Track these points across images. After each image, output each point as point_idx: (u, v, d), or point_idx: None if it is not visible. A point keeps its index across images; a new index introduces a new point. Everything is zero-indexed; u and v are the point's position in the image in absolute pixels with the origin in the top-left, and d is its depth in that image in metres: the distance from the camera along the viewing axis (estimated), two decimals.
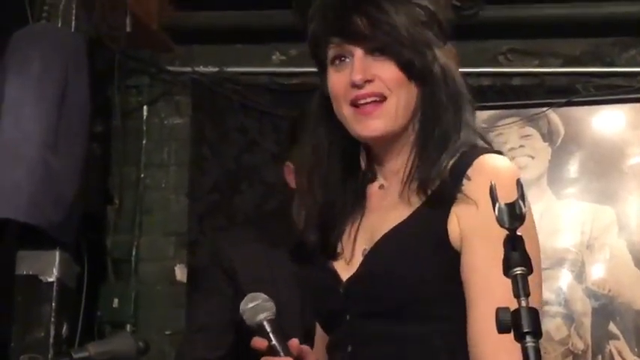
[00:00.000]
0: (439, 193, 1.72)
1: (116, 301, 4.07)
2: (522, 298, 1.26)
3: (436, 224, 1.71)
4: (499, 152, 1.79)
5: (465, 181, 1.70)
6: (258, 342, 1.79)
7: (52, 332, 3.43)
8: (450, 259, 1.70)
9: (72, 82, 3.51)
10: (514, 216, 1.29)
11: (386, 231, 1.75)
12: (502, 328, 1.26)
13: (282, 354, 1.76)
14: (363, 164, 1.87)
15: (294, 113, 3.11)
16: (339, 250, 1.83)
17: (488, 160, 1.73)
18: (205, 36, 4.28)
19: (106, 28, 3.74)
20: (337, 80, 1.80)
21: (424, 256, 1.71)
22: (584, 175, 4.03)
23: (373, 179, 1.86)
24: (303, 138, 2.57)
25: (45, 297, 3.44)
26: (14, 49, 3.49)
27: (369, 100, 1.77)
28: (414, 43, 1.76)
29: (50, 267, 3.45)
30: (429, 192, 1.73)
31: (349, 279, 1.77)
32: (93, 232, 3.98)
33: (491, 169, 1.71)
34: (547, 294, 3.85)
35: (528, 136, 4.07)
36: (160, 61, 4.31)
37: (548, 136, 4.06)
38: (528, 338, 1.25)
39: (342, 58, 1.80)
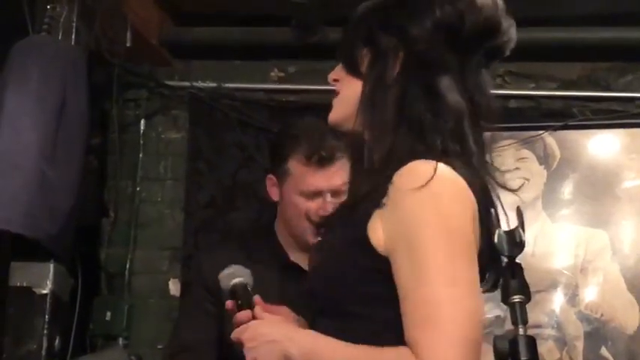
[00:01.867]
0: (365, 199, 1.76)
1: (109, 314, 4.05)
2: (520, 326, 1.27)
3: (358, 227, 1.72)
4: (435, 159, 1.72)
5: (390, 186, 1.69)
6: (229, 304, 1.93)
7: (45, 345, 3.42)
8: (371, 260, 1.70)
9: (70, 94, 3.51)
10: (514, 244, 1.30)
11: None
12: (500, 356, 1.27)
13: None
14: None
15: (279, 128, 3.12)
16: None
17: (415, 163, 1.71)
18: (204, 51, 4.29)
19: (106, 41, 3.75)
20: None
21: (342, 257, 1.76)
22: (579, 198, 4.04)
23: None
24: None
25: (38, 309, 3.43)
26: (14, 60, 3.50)
27: None
28: (349, 43, 1.92)
29: (44, 279, 3.44)
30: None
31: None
32: (87, 245, 3.98)
33: (412, 173, 1.68)
34: (540, 316, 3.86)
35: (524, 158, 4.08)
36: (158, 76, 4.31)
37: (544, 159, 4.07)
38: None
39: None
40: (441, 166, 1.68)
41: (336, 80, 1.91)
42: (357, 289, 1.72)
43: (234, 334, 1.82)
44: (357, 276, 1.72)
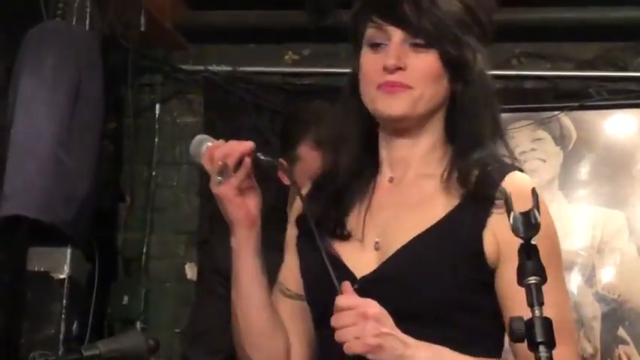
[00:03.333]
0: (473, 202, 1.71)
1: (126, 298, 4.08)
2: (536, 308, 1.27)
3: (471, 236, 1.69)
4: (521, 170, 1.79)
5: (499, 194, 1.68)
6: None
7: (63, 329, 3.45)
8: (479, 272, 1.69)
9: (85, 80, 3.52)
10: (529, 225, 1.30)
11: (406, 233, 1.72)
12: (516, 338, 1.27)
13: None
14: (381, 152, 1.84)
15: (288, 111, 3.10)
16: (346, 231, 1.79)
17: (522, 177, 1.74)
18: (219, 35, 4.29)
19: (120, 26, 3.75)
20: (370, 61, 1.77)
21: (452, 269, 1.68)
22: (596, 179, 4.02)
23: (380, 170, 1.84)
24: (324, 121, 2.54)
25: (56, 294, 3.46)
26: (28, 46, 3.51)
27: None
28: (459, 40, 1.75)
29: (61, 264, 3.46)
30: (463, 197, 1.72)
31: (366, 278, 1.72)
32: (104, 230, 3.99)
33: (525, 187, 1.64)
34: None
35: (540, 139, 4.06)
36: (173, 60, 4.31)
37: (560, 139, 4.05)
38: (542, 348, 1.25)
39: (380, 41, 1.77)
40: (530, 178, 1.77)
41: (401, 69, 1.75)
42: (456, 300, 1.68)
43: (340, 321, 1.61)
44: (462, 286, 1.68)
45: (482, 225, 1.68)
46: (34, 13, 3.60)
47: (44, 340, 3.42)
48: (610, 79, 4.12)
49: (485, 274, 1.68)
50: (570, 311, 1.64)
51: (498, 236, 1.67)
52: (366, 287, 1.69)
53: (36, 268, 3.46)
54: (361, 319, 1.59)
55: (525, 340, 1.26)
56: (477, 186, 1.71)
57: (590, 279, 3.92)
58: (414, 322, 1.66)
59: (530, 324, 1.26)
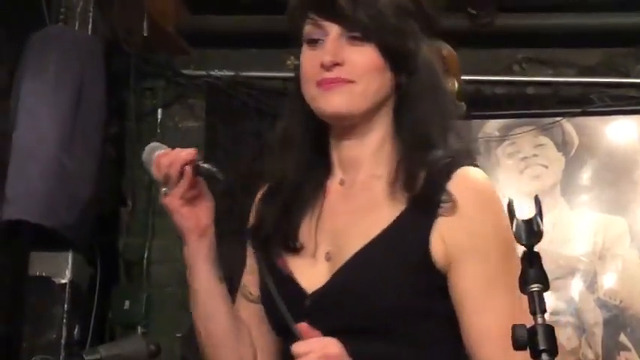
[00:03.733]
0: (419, 207, 1.63)
1: (127, 303, 4.07)
2: (539, 315, 1.26)
3: (418, 242, 1.62)
4: (475, 164, 1.71)
5: (445, 196, 1.62)
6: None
7: (64, 334, 3.44)
8: (430, 278, 1.62)
9: (88, 84, 3.52)
10: (531, 232, 1.30)
11: (357, 241, 1.65)
12: (518, 346, 1.26)
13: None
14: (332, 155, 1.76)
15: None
16: (297, 244, 1.72)
17: (470, 173, 1.66)
18: (221, 40, 4.29)
19: (123, 31, 3.76)
20: (308, 58, 1.71)
21: (402, 276, 1.61)
22: (598, 185, 4.03)
23: (332, 172, 1.76)
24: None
25: (57, 298, 3.46)
26: (31, 51, 3.51)
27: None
28: (398, 30, 1.68)
29: (63, 269, 3.46)
30: (409, 201, 1.64)
31: (317, 292, 1.66)
32: (106, 234, 3.99)
33: (475, 184, 1.65)
34: (558, 303, 3.85)
35: (542, 145, 4.07)
36: (175, 65, 4.32)
37: (562, 145, 4.06)
38: (544, 356, 1.25)
39: (318, 37, 1.70)
40: (483, 173, 1.69)
41: (339, 64, 1.67)
42: (411, 311, 1.63)
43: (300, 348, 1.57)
44: (415, 295, 1.62)
45: (428, 229, 1.61)
46: (37, 17, 3.61)
47: (46, 344, 3.42)
48: (612, 85, 4.13)
49: (437, 279, 1.62)
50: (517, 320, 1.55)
51: (446, 240, 1.61)
52: (318, 302, 1.65)
53: (37, 273, 3.46)
54: None
55: (527, 348, 1.26)
56: (423, 190, 1.64)
57: (591, 285, 3.92)
58: (367, 334, 1.62)
59: (532, 331, 1.26)
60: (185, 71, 4.31)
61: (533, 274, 1.26)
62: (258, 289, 1.80)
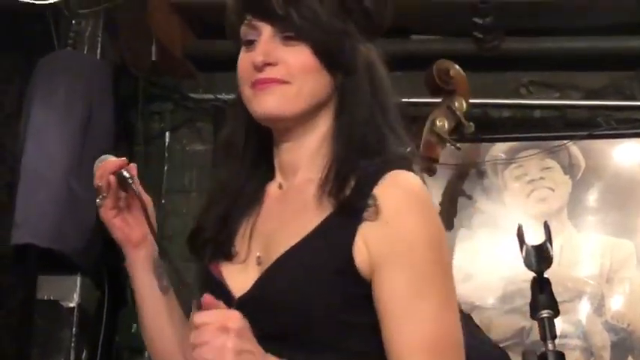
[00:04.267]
0: (344, 211, 1.58)
1: (135, 326, 4.06)
2: (549, 341, 1.27)
3: (340, 248, 1.56)
4: (410, 169, 1.64)
5: (370, 201, 1.57)
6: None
7: (72, 357, 3.46)
8: (353, 285, 1.56)
9: (97, 108, 3.54)
10: (542, 259, 1.30)
11: (284, 244, 1.60)
12: None
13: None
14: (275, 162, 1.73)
15: None
16: (232, 250, 1.69)
17: (398, 177, 1.61)
18: (228, 64, 4.25)
19: (131, 55, 3.78)
20: (243, 60, 1.70)
21: (324, 282, 1.55)
22: (604, 208, 4.02)
23: (272, 176, 1.73)
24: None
25: (65, 322, 3.46)
26: (40, 75, 3.53)
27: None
28: (333, 30, 1.64)
29: (71, 292, 3.47)
30: (338, 201, 1.59)
31: (243, 297, 1.62)
32: (113, 258, 3.98)
33: (401, 187, 1.59)
34: (566, 326, 3.84)
35: (549, 168, 4.07)
36: (182, 88, 4.33)
37: (569, 168, 4.05)
38: None
39: (252, 37, 1.68)
40: (416, 177, 1.63)
41: (270, 64, 1.64)
42: (333, 318, 1.56)
43: (197, 338, 1.46)
44: (336, 302, 1.56)
45: (351, 234, 1.56)
46: (46, 41, 3.64)
47: None
48: (618, 108, 4.12)
49: (361, 288, 1.56)
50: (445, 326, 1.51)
51: (369, 246, 1.56)
52: (243, 307, 1.56)
53: (45, 297, 3.47)
54: (221, 333, 1.45)
55: None
56: (350, 195, 1.58)
57: (599, 308, 3.91)
58: (289, 341, 1.55)
59: (543, 358, 1.26)
60: (193, 95, 4.32)
61: (543, 301, 1.27)
62: None
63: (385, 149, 1.65)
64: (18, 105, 3.85)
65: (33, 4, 3.49)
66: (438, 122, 3.02)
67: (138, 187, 1.72)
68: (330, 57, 1.65)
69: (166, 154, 4.31)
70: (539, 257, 1.31)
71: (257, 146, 1.74)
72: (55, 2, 3.55)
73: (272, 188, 1.74)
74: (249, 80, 1.67)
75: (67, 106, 3.47)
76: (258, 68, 1.64)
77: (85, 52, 3.64)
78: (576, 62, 4.12)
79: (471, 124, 3.09)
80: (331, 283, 1.56)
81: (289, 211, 1.67)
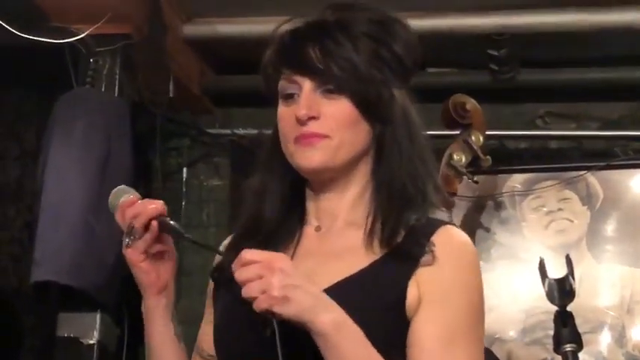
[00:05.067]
0: (402, 250, 1.63)
1: None
2: None
3: (394, 287, 1.61)
4: (454, 225, 1.73)
5: (428, 247, 1.62)
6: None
7: None
8: (397, 324, 1.60)
9: (115, 145, 3.56)
10: (564, 292, 1.30)
11: (328, 281, 1.62)
12: None
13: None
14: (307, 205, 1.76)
15: None
16: None
17: (455, 231, 1.68)
18: (244, 99, 4.32)
19: (149, 92, 3.80)
20: (284, 114, 1.71)
21: (375, 318, 1.58)
22: (624, 238, 4.01)
23: (307, 221, 1.76)
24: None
25: (86, 359, 3.46)
26: (59, 113, 3.55)
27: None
28: (371, 80, 1.67)
29: (91, 329, 3.47)
30: (391, 246, 1.64)
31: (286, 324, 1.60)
32: (133, 294, 3.99)
33: (458, 243, 1.67)
34: (587, 358, 3.82)
35: (567, 199, 4.06)
36: (200, 124, 4.35)
37: (587, 199, 4.05)
38: None
39: (292, 91, 1.70)
40: (464, 233, 1.70)
41: (314, 118, 1.67)
42: (383, 354, 1.57)
43: (244, 274, 1.51)
44: (382, 340, 1.57)
45: (407, 276, 1.61)
46: (65, 79, 3.66)
47: None
48: (636, 138, 4.12)
49: (402, 326, 1.60)
50: None
51: (421, 287, 1.60)
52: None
53: (66, 334, 3.46)
54: (267, 271, 1.49)
55: None
56: (404, 243, 1.64)
57: (620, 339, 3.89)
58: None
59: None
60: (210, 130, 4.34)
61: (567, 334, 1.27)
62: (212, 346, 1.78)
63: (425, 196, 1.70)
64: (37, 143, 3.88)
65: (51, 42, 3.53)
66: (455, 156, 3.03)
67: (178, 226, 1.74)
68: (369, 107, 1.68)
69: (184, 190, 4.32)
70: (562, 291, 1.31)
71: (289, 193, 1.76)
72: (73, 40, 3.59)
73: (308, 230, 1.76)
74: (292, 135, 1.69)
75: (85, 143, 3.48)
76: (302, 122, 1.66)
77: (103, 89, 3.66)
78: (592, 92, 4.13)
79: (488, 157, 3.09)
80: (380, 316, 1.59)
81: (332, 251, 1.70)
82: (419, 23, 3.91)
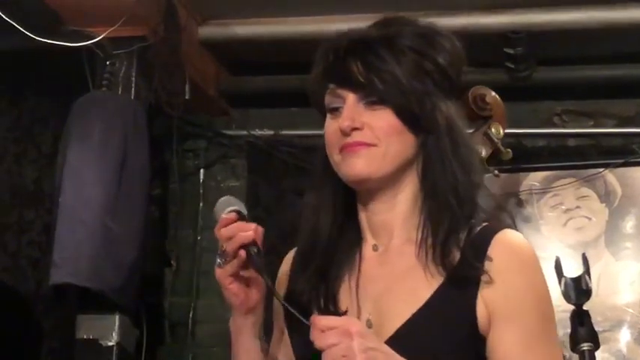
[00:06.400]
0: (461, 274, 1.65)
1: None
2: None
3: (465, 312, 1.64)
4: (513, 226, 1.76)
5: (487, 262, 1.65)
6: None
7: None
8: (477, 345, 1.64)
9: (131, 148, 3.57)
10: (580, 291, 1.30)
11: (398, 313, 1.66)
12: None
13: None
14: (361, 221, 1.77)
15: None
16: (339, 311, 1.71)
17: (509, 238, 1.69)
18: (261, 100, 4.34)
19: (165, 94, 3.80)
20: (330, 126, 1.74)
21: (454, 350, 1.63)
22: None
23: (364, 237, 1.77)
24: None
25: None
26: (76, 116, 3.57)
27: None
28: (413, 91, 1.70)
29: (110, 331, 3.48)
30: (449, 266, 1.66)
31: None
32: (151, 295, 4.01)
33: (515, 250, 1.68)
34: (606, 356, 3.81)
35: (585, 197, 4.05)
36: (216, 125, 4.36)
37: (605, 196, 4.03)
38: None
39: (337, 105, 1.73)
40: (520, 234, 1.71)
41: (358, 129, 1.70)
42: None
43: (325, 341, 1.53)
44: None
45: (473, 299, 1.64)
46: (81, 83, 3.68)
47: None
48: None
49: (480, 346, 1.64)
50: None
51: (489, 305, 1.64)
52: None
53: (85, 336, 3.48)
54: (346, 337, 1.52)
55: None
56: (461, 265, 1.66)
57: (639, 337, 3.87)
58: None
59: None
60: (226, 131, 4.35)
61: (583, 333, 1.27)
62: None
63: (474, 204, 1.72)
64: (54, 146, 3.89)
65: (67, 45, 3.54)
66: None
67: (261, 264, 1.70)
68: (412, 118, 1.71)
69: (201, 191, 4.33)
70: (578, 290, 1.30)
71: (343, 208, 1.78)
72: (89, 44, 3.60)
73: (367, 250, 1.77)
74: (337, 145, 1.72)
75: (102, 146, 3.50)
76: (346, 133, 1.69)
77: (120, 92, 3.67)
78: (609, 90, 4.12)
79: (509, 150, 3.06)
80: (460, 350, 1.63)
81: (394, 274, 1.72)
82: (435, 22, 3.91)
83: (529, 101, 4.10)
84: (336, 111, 1.74)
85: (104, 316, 3.48)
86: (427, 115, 1.71)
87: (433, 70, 1.73)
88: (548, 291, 1.68)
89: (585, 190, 4.06)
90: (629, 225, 4.01)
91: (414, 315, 1.65)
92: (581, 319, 1.29)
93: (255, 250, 1.68)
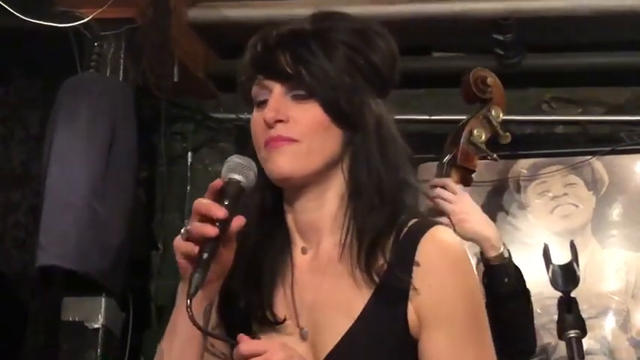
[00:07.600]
0: (390, 286, 1.60)
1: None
2: None
3: (397, 324, 1.60)
4: (439, 222, 1.71)
5: (415, 268, 1.60)
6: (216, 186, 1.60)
7: None
8: (411, 352, 1.61)
9: (119, 130, 3.56)
10: (568, 279, 1.30)
11: (332, 326, 1.62)
12: None
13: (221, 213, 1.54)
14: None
15: None
16: (276, 319, 1.66)
17: (437, 238, 1.63)
18: None
19: (153, 77, 3.79)
20: (255, 119, 1.68)
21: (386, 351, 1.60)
22: (628, 223, 4.01)
23: (292, 239, 1.71)
24: None
25: (90, 343, 3.48)
26: (63, 97, 3.56)
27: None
28: (342, 86, 1.64)
29: (96, 313, 3.48)
30: (376, 276, 1.61)
31: None
32: (138, 278, 4.01)
33: (442, 250, 1.62)
34: (591, 343, 3.82)
35: (572, 184, 4.06)
36: (205, 109, 4.34)
37: (593, 184, 4.04)
38: None
39: (264, 97, 1.67)
40: (448, 231, 1.67)
41: (282, 121, 1.64)
42: None
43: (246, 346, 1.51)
44: None
45: (404, 310, 1.60)
46: (69, 64, 3.66)
47: None
48: None
49: (414, 351, 1.61)
50: None
51: (419, 312, 1.60)
52: None
53: (71, 318, 3.48)
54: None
55: None
56: (388, 279, 1.60)
57: (624, 324, 3.89)
58: None
59: None
60: (215, 115, 4.33)
61: (571, 321, 1.27)
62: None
63: (401, 206, 1.67)
64: (41, 128, 3.88)
65: (56, 26, 3.52)
66: (475, 132, 2.99)
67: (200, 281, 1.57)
68: (340, 114, 1.65)
69: (189, 175, 4.32)
70: (566, 277, 1.30)
71: (272, 208, 1.71)
72: (77, 25, 3.59)
73: (296, 253, 1.71)
74: (262, 139, 1.65)
75: (89, 128, 3.49)
76: (269, 125, 1.63)
77: (108, 74, 3.66)
78: (598, 77, 4.12)
79: (508, 134, 3.06)
80: (393, 356, 1.61)
81: (325, 283, 1.67)
82: (425, 8, 3.91)
83: (518, 88, 4.09)
84: (263, 104, 1.67)
85: (90, 298, 3.48)
86: (355, 111, 1.66)
87: (365, 66, 1.68)
88: (479, 290, 1.66)
89: (573, 178, 4.07)
90: (615, 213, 4.02)
91: (350, 330, 1.61)
92: (568, 307, 1.29)
93: (206, 255, 1.54)
